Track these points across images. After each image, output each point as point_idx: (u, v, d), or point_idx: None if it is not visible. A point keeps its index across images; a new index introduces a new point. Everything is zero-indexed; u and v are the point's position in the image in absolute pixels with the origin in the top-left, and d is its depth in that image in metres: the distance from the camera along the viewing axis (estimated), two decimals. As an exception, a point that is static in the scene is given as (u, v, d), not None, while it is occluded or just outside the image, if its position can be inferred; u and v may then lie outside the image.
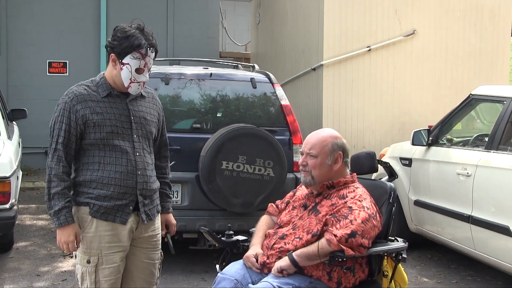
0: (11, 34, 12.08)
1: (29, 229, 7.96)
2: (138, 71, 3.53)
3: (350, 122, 10.26)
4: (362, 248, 3.46)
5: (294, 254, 3.50)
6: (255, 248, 3.75)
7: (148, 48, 3.53)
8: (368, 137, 10.31)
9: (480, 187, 5.87)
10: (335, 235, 3.42)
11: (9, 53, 12.08)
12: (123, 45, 3.49)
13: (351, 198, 3.62)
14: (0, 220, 6.16)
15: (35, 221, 8.34)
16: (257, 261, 3.66)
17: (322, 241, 3.47)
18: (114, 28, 3.58)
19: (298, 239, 3.59)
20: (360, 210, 3.54)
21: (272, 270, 3.53)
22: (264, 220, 4.00)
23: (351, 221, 3.47)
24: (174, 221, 4.02)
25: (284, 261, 3.51)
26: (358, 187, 3.75)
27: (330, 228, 3.48)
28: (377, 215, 3.63)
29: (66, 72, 12.35)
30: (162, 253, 3.86)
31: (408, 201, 6.98)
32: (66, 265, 6.52)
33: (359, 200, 3.61)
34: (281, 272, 3.49)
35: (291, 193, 4.04)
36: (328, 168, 3.73)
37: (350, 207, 3.55)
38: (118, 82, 3.57)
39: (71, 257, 6.55)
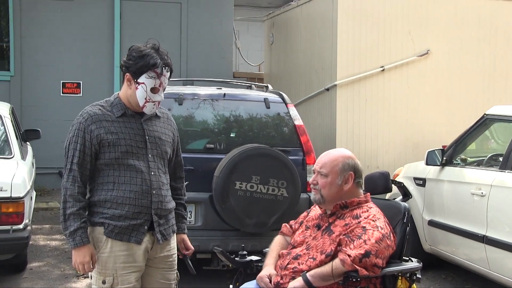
0: (25, 55, 12.16)
1: (42, 249, 7.97)
2: (153, 90, 3.54)
3: (364, 142, 10.24)
4: (376, 268, 3.45)
5: (308, 274, 3.49)
6: (268, 269, 3.74)
7: (164, 68, 3.54)
8: (382, 157, 10.28)
9: (494, 207, 5.83)
10: (349, 255, 3.41)
11: (23, 74, 12.15)
12: (138, 64, 3.50)
13: (365, 218, 3.61)
14: (14, 241, 6.17)
15: (48, 242, 8.35)
16: (270, 281, 3.65)
17: (336, 261, 3.46)
18: (129, 48, 3.60)
19: (312, 260, 3.57)
20: (374, 230, 3.52)
21: None
22: (277, 240, 3.99)
23: (365, 241, 3.46)
24: (189, 243, 4.01)
25: (298, 282, 3.49)
26: (371, 207, 3.73)
27: (344, 248, 3.47)
28: (391, 235, 3.61)
29: (80, 93, 12.40)
30: (178, 273, 3.85)
31: (422, 221, 6.95)
32: (80, 285, 6.52)
33: (373, 220, 3.59)
34: None
35: (305, 213, 4.03)
36: (338, 188, 3.72)
37: (364, 227, 3.54)
38: (133, 102, 3.58)
39: (85, 277, 6.54)
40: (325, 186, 3.72)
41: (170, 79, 6.50)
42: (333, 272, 3.44)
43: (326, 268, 3.48)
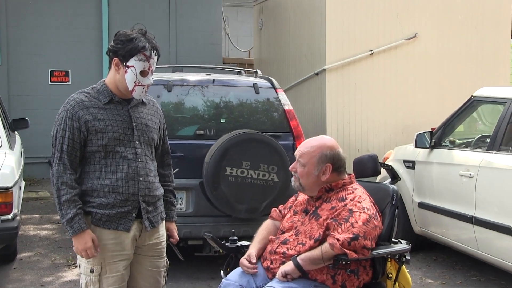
0: (12, 44, 12.10)
1: (32, 239, 7.96)
2: (143, 73, 3.54)
3: (354, 126, 10.27)
4: (366, 250, 3.47)
5: (298, 258, 3.51)
6: (248, 251, 3.79)
7: (152, 51, 3.54)
8: (372, 140, 10.32)
9: (482, 188, 5.87)
10: (338, 239, 3.43)
11: (10, 63, 12.10)
12: (127, 47, 3.49)
13: (351, 200, 3.62)
14: (3, 231, 6.12)
15: (38, 231, 8.34)
16: (250, 262, 3.68)
17: (326, 245, 3.48)
18: (116, 33, 3.59)
19: (301, 245, 3.59)
20: (360, 212, 3.54)
21: (277, 274, 3.53)
22: (265, 225, 4.01)
23: (352, 224, 3.48)
24: (176, 231, 4.00)
25: (288, 266, 3.51)
26: (356, 188, 3.75)
27: (332, 233, 3.48)
28: (377, 215, 3.64)
29: (69, 81, 12.37)
30: (167, 260, 3.84)
31: (412, 203, 6.98)
32: (71, 274, 6.52)
33: (359, 202, 3.61)
34: (286, 276, 3.50)
35: (293, 198, 4.04)
36: (315, 178, 3.73)
37: (350, 210, 3.56)
38: (122, 87, 3.56)
39: (76, 266, 6.55)
40: (303, 175, 3.75)
41: (160, 66, 6.47)
42: (323, 256, 3.47)
43: (316, 252, 3.50)
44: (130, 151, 3.57)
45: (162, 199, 3.80)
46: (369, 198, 3.70)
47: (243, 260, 3.73)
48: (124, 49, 3.50)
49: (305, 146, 3.81)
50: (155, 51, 3.57)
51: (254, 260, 3.71)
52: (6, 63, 12.09)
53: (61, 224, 3.62)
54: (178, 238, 4.00)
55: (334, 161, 3.74)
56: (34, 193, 10.62)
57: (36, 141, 11.13)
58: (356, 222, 3.49)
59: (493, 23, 10.78)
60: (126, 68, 3.51)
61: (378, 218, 3.63)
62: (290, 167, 3.85)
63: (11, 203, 6.17)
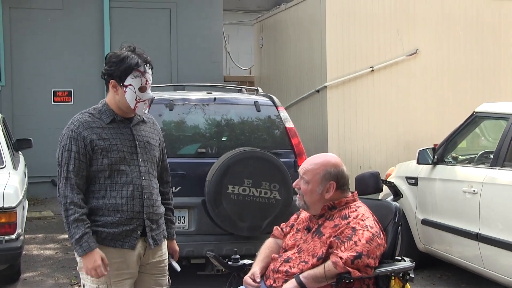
0: (16, 64, 12.15)
1: (36, 259, 7.94)
2: (141, 89, 3.57)
3: (356, 143, 10.25)
4: (369, 268, 3.46)
5: (301, 276, 3.50)
6: (252, 270, 3.77)
7: (145, 65, 3.57)
8: (374, 157, 10.30)
9: (486, 204, 5.85)
10: (341, 258, 3.41)
11: (13, 84, 12.14)
12: (121, 68, 3.53)
13: (354, 218, 3.61)
14: (7, 251, 6.14)
15: (42, 251, 8.33)
16: (254, 281, 3.66)
17: (328, 263, 3.47)
18: (106, 56, 3.63)
19: (303, 263, 3.58)
20: (363, 230, 3.53)
21: None
22: (267, 243, 4.00)
23: (355, 242, 3.47)
24: (177, 248, 4.02)
25: (291, 284, 3.50)
26: (360, 206, 3.74)
27: (335, 251, 3.47)
28: (381, 233, 3.62)
29: (71, 101, 12.40)
30: (169, 278, 3.85)
31: (415, 220, 6.96)
32: (74, 294, 6.51)
33: (362, 220, 3.60)
34: None
35: (295, 216, 4.03)
36: (319, 196, 3.72)
37: (354, 228, 3.54)
38: (124, 106, 3.59)
39: (79, 286, 6.52)
40: (307, 193, 3.75)
41: (161, 85, 6.50)
42: (325, 274, 3.45)
43: (319, 270, 3.48)
44: (134, 169, 3.60)
45: (163, 217, 3.80)
46: (372, 216, 3.69)
47: (247, 278, 3.72)
48: (118, 70, 3.54)
49: (309, 163, 3.80)
50: (148, 64, 3.59)
51: (258, 280, 3.69)
52: (10, 84, 12.13)
53: (70, 244, 3.61)
54: (177, 257, 4.00)
55: (338, 179, 3.74)
56: (38, 213, 10.60)
57: (40, 161, 11.13)
58: (360, 240, 3.47)
59: (494, 37, 10.79)
60: (124, 87, 3.55)
61: (382, 236, 3.61)
62: (294, 184, 3.85)
63: (15, 223, 6.18)
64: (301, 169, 3.81)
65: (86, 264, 3.44)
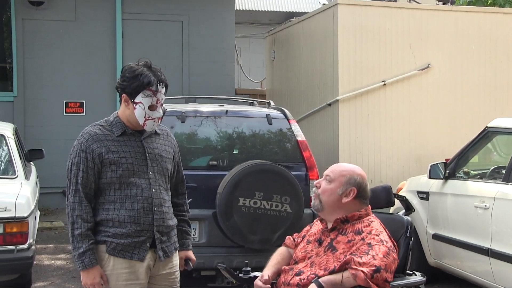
0: (28, 75, 12.22)
1: (47, 269, 7.96)
2: (151, 108, 3.57)
3: (367, 157, 10.25)
4: (387, 283, 3.44)
5: (320, 280, 3.45)
6: (262, 273, 3.79)
7: (159, 84, 3.57)
8: (385, 171, 10.28)
9: (498, 219, 5.82)
10: (362, 271, 3.38)
11: (26, 94, 12.21)
12: (133, 85, 3.53)
13: (368, 233, 3.60)
14: (18, 260, 6.16)
15: (53, 261, 8.34)
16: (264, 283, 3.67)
17: (346, 274, 3.42)
18: (122, 68, 3.64)
19: (314, 276, 3.56)
20: (379, 245, 3.51)
21: None
22: (279, 250, 4.01)
23: (373, 256, 3.44)
24: (194, 257, 4.03)
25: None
26: (373, 221, 3.73)
27: (354, 266, 3.43)
28: (395, 248, 3.61)
29: (83, 112, 12.45)
30: (180, 290, 3.85)
31: (426, 235, 6.93)
32: (84, 304, 6.50)
33: (376, 235, 3.58)
34: None
35: (308, 227, 4.03)
36: (337, 197, 3.71)
37: (369, 244, 3.52)
38: (133, 121, 3.61)
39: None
40: (325, 192, 3.72)
41: (173, 97, 6.49)
42: (342, 283, 3.42)
43: (337, 277, 3.44)
44: (145, 181, 3.61)
45: (176, 229, 3.81)
46: (386, 230, 3.68)
47: (257, 282, 3.70)
48: (130, 87, 3.54)
49: (338, 166, 3.83)
50: (161, 83, 3.59)
51: (266, 277, 3.68)
52: (22, 95, 12.20)
53: (72, 256, 3.66)
54: (195, 259, 4.01)
55: (360, 188, 3.74)
56: (49, 223, 10.63)
57: (51, 171, 11.17)
58: (377, 254, 3.45)
59: (507, 53, 10.77)
60: (135, 104, 3.56)
61: (395, 251, 3.60)
62: (315, 182, 3.83)
63: (26, 233, 6.21)
64: (327, 170, 3.81)
65: (85, 278, 3.50)
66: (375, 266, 3.40)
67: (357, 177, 3.76)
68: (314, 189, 3.82)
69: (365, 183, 3.78)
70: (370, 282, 3.36)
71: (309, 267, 3.65)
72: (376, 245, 3.51)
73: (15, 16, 12.14)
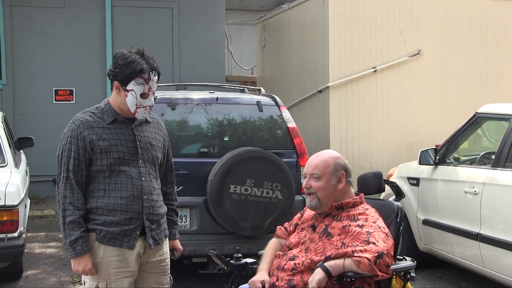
0: (17, 63, 12.15)
1: (38, 257, 7.95)
2: (143, 96, 3.56)
3: (358, 143, 10.26)
4: (388, 268, 3.45)
5: (326, 264, 3.44)
6: (262, 274, 3.73)
7: (151, 72, 3.55)
8: (375, 157, 10.30)
9: (488, 204, 5.86)
10: (366, 258, 3.38)
11: (15, 82, 12.14)
12: (125, 72, 3.51)
13: (365, 221, 3.61)
14: (9, 249, 6.15)
15: (44, 249, 8.34)
16: (263, 287, 3.63)
17: (349, 260, 3.42)
18: (114, 55, 3.61)
19: (309, 261, 3.57)
20: (378, 231, 3.53)
21: (311, 286, 3.39)
22: (272, 244, 3.99)
23: (374, 243, 3.45)
24: (180, 247, 4.03)
25: (319, 274, 3.41)
26: (367, 208, 3.75)
27: (357, 254, 3.43)
28: (390, 234, 3.63)
29: (73, 100, 12.40)
30: (171, 277, 3.86)
31: (416, 221, 6.97)
32: (76, 292, 6.52)
33: (373, 222, 3.61)
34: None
35: (298, 215, 4.03)
36: (333, 188, 3.72)
37: (368, 231, 3.54)
38: (124, 109, 3.59)
39: (81, 284, 6.53)
40: (321, 188, 3.72)
41: (163, 84, 6.44)
42: (344, 268, 3.42)
43: (340, 262, 3.44)
44: (134, 169, 3.60)
45: (165, 216, 3.80)
46: (381, 217, 3.69)
47: (257, 283, 3.65)
48: (122, 74, 3.52)
49: (316, 159, 3.80)
50: (154, 71, 3.57)
51: (267, 286, 3.66)
52: (12, 83, 12.14)
53: (63, 244, 3.64)
54: (179, 255, 4.01)
55: (346, 168, 3.78)
56: (40, 211, 10.61)
57: (41, 160, 11.14)
58: (378, 241, 3.47)
59: (497, 39, 10.79)
60: (126, 92, 3.54)
61: (391, 236, 3.62)
62: (303, 185, 3.81)
63: (17, 221, 6.20)
64: (308, 168, 3.79)
65: (76, 265, 3.50)
66: (377, 252, 3.41)
67: (339, 161, 3.79)
68: (305, 190, 3.80)
69: (346, 162, 3.83)
70: (374, 268, 3.37)
71: (304, 253, 3.66)
72: (374, 232, 3.53)
73: (2, 2, 12.05)
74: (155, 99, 6.23)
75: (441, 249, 6.67)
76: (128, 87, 3.53)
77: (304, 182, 3.81)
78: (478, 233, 5.92)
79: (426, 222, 6.80)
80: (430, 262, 7.20)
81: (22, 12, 12.17)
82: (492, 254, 5.79)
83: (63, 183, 3.51)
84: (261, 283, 3.65)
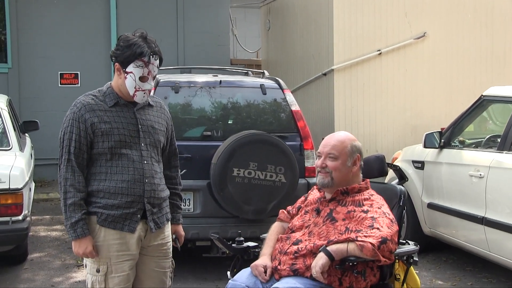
0: (22, 47, 12.14)
1: (43, 240, 7.99)
2: (142, 79, 3.54)
3: (362, 126, 10.23)
4: (392, 254, 3.43)
5: (328, 248, 3.41)
6: (265, 259, 3.70)
7: (151, 56, 3.54)
8: (380, 140, 10.28)
9: (493, 188, 5.83)
10: (370, 243, 3.36)
11: (20, 66, 12.15)
12: (125, 54, 3.51)
13: (370, 207, 3.59)
14: (13, 232, 6.18)
15: (49, 232, 8.37)
16: (265, 271, 3.62)
17: (352, 245, 3.39)
18: (118, 38, 3.62)
19: (312, 245, 3.55)
20: (382, 217, 3.51)
21: (314, 271, 3.38)
22: (275, 228, 3.97)
23: (378, 228, 3.43)
24: (183, 233, 4.02)
25: (322, 259, 3.39)
26: (373, 194, 3.73)
27: (361, 239, 3.41)
28: (394, 220, 3.61)
29: (78, 83, 12.39)
30: (173, 261, 3.85)
31: (421, 204, 6.94)
32: (80, 275, 6.54)
33: (379, 208, 3.59)
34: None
35: (302, 198, 4.01)
36: (347, 170, 3.72)
37: (372, 217, 3.51)
38: (124, 91, 3.59)
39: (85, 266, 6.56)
40: (336, 168, 3.70)
41: (168, 67, 6.39)
42: (347, 253, 3.40)
43: (343, 246, 3.41)
44: (136, 153, 3.59)
45: (168, 200, 3.80)
46: (386, 204, 3.67)
47: (259, 267, 3.64)
48: (122, 56, 3.52)
49: (334, 140, 3.78)
50: (155, 55, 3.56)
51: (269, 273, 3.63)
52: (17, 66, 12.14)
53: (64, 226, 3.65)
54: (182, 242, 4.00)
55: (360, 152, 3.79)
56: (45, 195, 10.65)
57: (47, 143, 11.15)
58: (382, 226, 3.44)
59: (503, 21, 10.71)
60: (126, 74, 3.54)
61: (396, 222, 3.60)
62: (316, 164, 3.79)
63: (21, 204, 6.22)
64: (325, 148, 3.75)
65: (76, 248, 3.52)
66: (381, 237, 3.39)
67: (356, 143, 3.80)
68: (321, 168, 3.75)
69: (360, 145, 3.82)
70: (377, 253, 3.35)
71: (307, 236, 3.64)
72: (379, 217, 3.51)
73: (7, -13, 12.04)
74: (158, 82, 6.23)
75: (446, 233, 6.65)
76: (127, 69, 3.53)
77: (319, 161, 3.77)
78: (483, 217, 5.89)
79: (431, 206, 6.78)
80: (435, 246, 7.19)
81: (27, -5, 12.15)
82: (498, 238, 5.77)
83: (64, 165, 3.52)
84: (263, 268, 3.64)
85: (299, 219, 3.81)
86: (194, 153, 6.28)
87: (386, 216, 3.53)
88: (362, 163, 3.83)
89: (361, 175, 3.83)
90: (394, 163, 6.83)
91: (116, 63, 3.57)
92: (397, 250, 3.63)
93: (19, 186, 6.22)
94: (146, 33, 3.60)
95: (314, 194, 3.91)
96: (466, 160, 6.35)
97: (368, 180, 3.85)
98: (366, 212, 3.57)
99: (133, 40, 3.53)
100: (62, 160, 3.53)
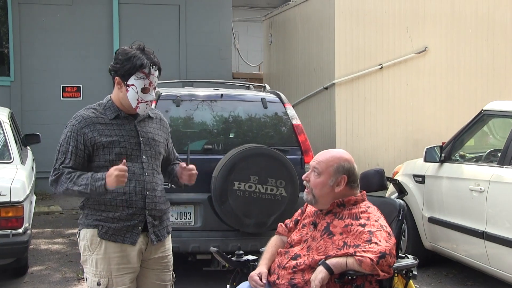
0: (25, 60, 12.20)
1: (43, 253, 7.97)
2: (144, 90, 3.56)
3: (364, 140, 10.25)
4: (390, 268, 3.42)
5: (328, 262, 3.40)
6: (260, 268, 3.73)
7: (151, 67, 3.56)
8: (381, 154, 10.29)
9: (493, 202, 5.83)
10: (369, 258, 3.36)
11: (23, 79, 12.19)
12: (125, 67, 3.53)
13: (367, 220, 3.57)
14: (14, 245, 6.17)
15: (50, 245, 8.36)
16: (261, 279, 3.63)
17: (351, 260, 3.38)
18: (116, 51, 3.63)
19: (311, 260, 3.54)
20: (380, 231, 3.49)
21: (314, 285, 3.35)
22: (273, 241, 3.97)
23: (376, 243, 3.41)
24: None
25: (322, 273, 3.37)
26: (369, 206, 3.71)
27: (359, 254, 3.39)
28: (392, 233, 3.60)
29: (80, 96, 12.43)
30: (174, 274, 3.85)
31: (422, 218, 6.94)
32: (81, 288, 6.54)
33: (376, 220, 3.56)
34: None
35: (299, 211, 4.01)
36: (329, 189, 3.68)
37: (370, 231, 3.50)
38: (126, 104, 3.60)
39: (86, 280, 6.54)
40: (317, 185, 3.69)
41: (169, 81, 6.41)
42: (347, 267, 3.39)
43: (342, 260, 3.40)
44: (137, 165, 3.60)
45: (168, 213, 3.81)
46: (382, 216, 3.66)
47: (254, 275, 3.66)
48: (123, 69, 3.54)
49: (323, 156, 3.77)
50: (154, 66, 3.58)
51: (264, 281, 3.65)
52: (19, 79, 12.18)
53: (90, 192, 3.50)
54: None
55: (349, 174, 3.71)
56: (46, 208, 10.64)
57: (48, 156, 11.02)
58: (380, 241, 3.42)
59: (504, 36, 10.76)
60: (127, 87, 3.55)
61: (393, 235, 3.59)
62: (303, 176, 3.79)
63: (22, 217, 6.21)
64: (313, 162, 3.76)
65: (111, 184, 3.38)
66: (380, 252, 3.37)
67: (344, 164, 3.71)
68: (304, 182, 3.78)
69: (353, 167, 3.74)
70: (376, 268, 3.34)
71: (305, 251, 3.63)
72: (377, 231, 3.49)
73: (11, 0, 12.08)
74: (160, 95, 6.25)
75: (446, 247, 6.64)
76: (129, 82, 3.55)
77: (306, 173, 3.79)
78: (483, 231, 5.89)
79: (431, 220, 6.77)
80: (436, 260, 7.18)
81: (30, 9, 12.21)
82: (498, 252, 5.76)
83: (54, 176, 3.53)
84: (258, 275, 3.64)
85: (297, 233, 3.80)
86: (195, 166, 6.26)
87: (383, 230, 3.52)
88: (356, 184, 3.77)
89: (356, 192, 3.78)
90: (393, 177, 6.84)
91: (116, 77, 3.59)
92: (396, 264, 3.63)
93: (20, 199, 6.22)
94: (144, 45, 3.62)
95: (311, 207, 3.90)
96: (466, 174, 6.35)
97: (364, 192, 3.84)
98: (363, 226, 3.55)
99: (132, 52, 3.55)
100: (53, 169, 3.55)
